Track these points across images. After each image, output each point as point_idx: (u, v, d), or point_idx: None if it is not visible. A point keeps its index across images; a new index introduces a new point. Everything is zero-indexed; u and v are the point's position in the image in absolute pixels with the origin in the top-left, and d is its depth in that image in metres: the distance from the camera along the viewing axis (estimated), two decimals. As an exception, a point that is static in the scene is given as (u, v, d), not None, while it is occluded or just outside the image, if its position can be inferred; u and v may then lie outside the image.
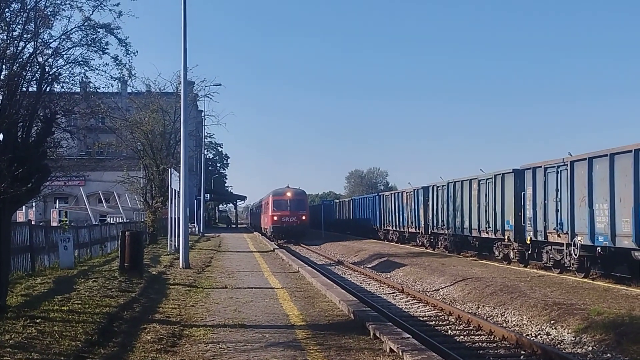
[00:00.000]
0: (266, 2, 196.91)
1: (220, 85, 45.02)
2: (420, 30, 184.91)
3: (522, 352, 11.97)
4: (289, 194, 50.26)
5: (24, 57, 12.85)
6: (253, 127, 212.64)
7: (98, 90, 15.13)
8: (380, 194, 52.56)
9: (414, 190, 39.07)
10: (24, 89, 12.86)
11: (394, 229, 44.30)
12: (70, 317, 10.73)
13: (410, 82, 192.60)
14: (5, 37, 12.49)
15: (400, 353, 8.81)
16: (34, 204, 39.09)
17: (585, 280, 19.08)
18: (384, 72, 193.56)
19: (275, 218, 49.44)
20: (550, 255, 21.58)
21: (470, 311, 16.49)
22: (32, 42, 13.04)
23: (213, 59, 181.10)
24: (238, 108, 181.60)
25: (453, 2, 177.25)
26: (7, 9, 12.69)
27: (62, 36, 13.78)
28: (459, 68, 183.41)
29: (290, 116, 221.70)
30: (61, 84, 14.34)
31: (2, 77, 11.95)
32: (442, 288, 20.69)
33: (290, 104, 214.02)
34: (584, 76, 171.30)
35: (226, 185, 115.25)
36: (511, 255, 25.07)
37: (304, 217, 49.94)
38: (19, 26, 12.96)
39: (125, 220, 41.55)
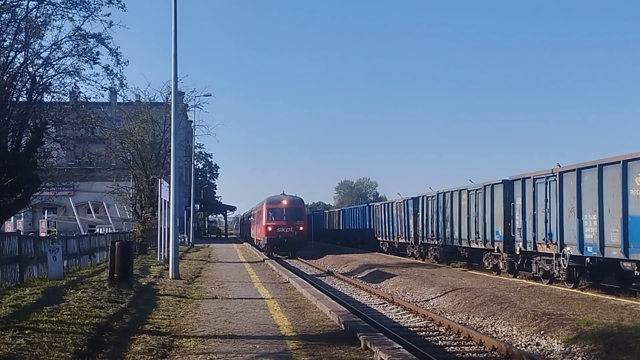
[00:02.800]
0: (252, 18, 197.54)
1: (210, 95, 45.12)
2: (408, 43, 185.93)
3: (512, 363, 11.99)
4: (284, 202, 44.91)
5: (15, 67, 12.88)
6: (242, 138, 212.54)
7: (89, 100, 15.18)
8: (370, 204, 52.51)
9: (404, 200, 39.11)
10: (14, 99, 12.88)
11: (384, 239, 44.31)
12: (59, 327, 10.67)
13: (399, 94, 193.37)
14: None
15: (391, 363, 8.81)
16: (22, 214, 38.86)
17: (575, 290, 19.15)
18: (373, 84, 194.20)
19: (270, 229, 44.05)
20: (540, 266, 21.65)
21: (460, 321, 16.50)
22: (23, 52, 13.08)
23: (201, 73, 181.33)
24: (227, 120, 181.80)
25: (440, 18, 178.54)
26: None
27: (53, 46, 13.86)
28: (447, 80, 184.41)
29: (279, 128, 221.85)
30: (52, 94, 14.39)
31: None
32: (432, 298, 20.70)
33: (279, 116, 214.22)
34: (573, 89, 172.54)
35: (216, 195, 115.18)
36: (501, 265, 25.13)
37: (301, 228, 44.43)
38: (9, 36, 13.00)
39: (114, 231, 41.39)
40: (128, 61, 15.15)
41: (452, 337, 14.59)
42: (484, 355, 12.75)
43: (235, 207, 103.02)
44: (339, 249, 48.29)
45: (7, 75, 12.58)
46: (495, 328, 15.49)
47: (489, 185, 25.94)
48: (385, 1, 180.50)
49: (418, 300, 20.92)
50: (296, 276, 23.78)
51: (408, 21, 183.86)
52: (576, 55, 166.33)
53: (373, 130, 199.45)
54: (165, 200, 28.75)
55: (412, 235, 37.16)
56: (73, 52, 14.20)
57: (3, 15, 13.10)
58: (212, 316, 13.62)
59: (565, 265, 19.51)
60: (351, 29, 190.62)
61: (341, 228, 61.28)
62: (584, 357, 12.08)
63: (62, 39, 13.97)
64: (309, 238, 50.14)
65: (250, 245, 54.81)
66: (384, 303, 20.61)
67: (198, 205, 71.71)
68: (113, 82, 14.92)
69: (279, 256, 42.85)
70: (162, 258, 28.69)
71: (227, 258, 36.93)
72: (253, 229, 56.33)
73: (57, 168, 26.50)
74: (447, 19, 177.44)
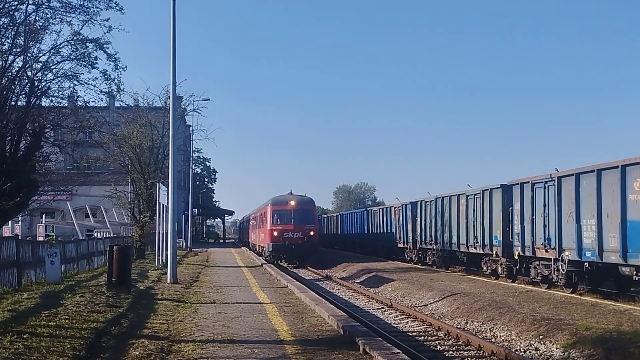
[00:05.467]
0: (249, 24, 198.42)
1: (209, 100, 44.84)
2: (406, 48, 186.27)
3: (511, 367, 11.97)
4: (292, 203, 39.19)
5: (13, 71, 12.86)
6: (240, 143, 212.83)
7: (87, 104, 15.17)
8: (368, 209, 52.46)
9: (402, 205, 39.10)
10: (13, 103, 12.87)
11: (382, 244, 44.25)
12: (57, 332, 10.64)
13: (397, 98, 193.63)
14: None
15: (390, 368, 8.78)
16: (20, 218, 38.80)
17: (573, 295, 19.14)
18: (371, 88, 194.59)
19: (276, 233, 38.40)
20: (538, 271, 21.64)
21: (459, 326, 16.48)
22: (22, 56, 13.06)
23: (198, 79, 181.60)
24: (225, 125, 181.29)
25: (439, 22, 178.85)
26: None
27: (52, 50, 13.83)
28: (445, 84, 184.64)
29: (277, 132, 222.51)
30: (50, 98, 14.38)
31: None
32: (430, 303, 20.68)
33: (276, 121, 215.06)
34: (572, 94, 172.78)
35: (214, 200, 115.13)
36: (499, 270, 25.11)
37: (312, 233, 38.71)
38: (8, 40, 12.99)
39: (112, 235, 41.33)
40: (126, 67, 15.13)
41: (451, 341, 14.58)
42: (483, 360, 12.74)
43: (233, 212, 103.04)
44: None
45: (6, 79, 12.56)
46: (494, 333, 15.47)
47: (488, 189, 25.95)
48: (383, 6, 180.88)
49: (417, 305, 20.89)
50: (294, 281, 23.74)
51: (406, 26, 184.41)
52: (575, 59, 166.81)
53: (371, 134, 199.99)
54: (163, 205, 28.75)
55: (411, 240, 37.14)
56: (72, 57, 14.19)
57: (2, 19, 13.10)
58: (210, 321, 13.59)
59: (563, 270, 19.51)
60: (348, 34, 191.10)
61: (339, 233, 61.24)
62: (583, 362, 12.06)
63: (61, 43, 13.97)
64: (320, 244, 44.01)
65: (248, 249, 54.41)
66: (383, 308, 20.59)
67: (196, 209, 71.65)
68: (110, 87, 14.91)
69: (285, 265, 38.63)
70: (160, 262, 28.66)
71: (225, 262, 36.87)
72: (255, 233, 50.82)
73: (56, 172, 26.49)
74: (446, 23, 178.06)
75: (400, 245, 39.79)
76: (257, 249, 46.88)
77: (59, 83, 14.20)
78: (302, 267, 38.17)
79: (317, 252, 40.01)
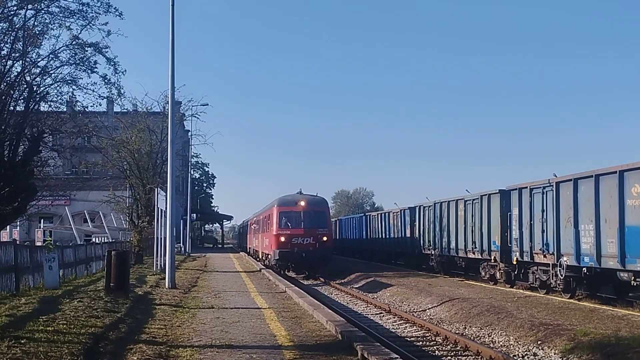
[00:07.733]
0: (247, 29, 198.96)
1: (207, 105, 44.92)
2: (405, 52, 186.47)
3: (510, 373, 11.96)
4: (302, 203, 33.62)
5: (12, 76, 12.88)
6: (238, 148, 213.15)
7: (86, 109, 15.19)
8: (367, 214, 52.45)
9: (401, 210, 39.10)
10: (12, 108, 12.88)
11: (381, 249, 44.22)
12: (55, 337, 10.61)
13: (395, 104, 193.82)
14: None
15: (389, 373, 8.76)
16: (18, 223, 38.75)
17: (571, 300, 19.14)
18: (369, 93, 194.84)
19: (283, 239, 32.98)
20: (537, 276, 21.64)
21: (457, 332, 16.47)
22: (20, 61, 13.09)
23: (195, 84, 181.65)
24: (222, 130, 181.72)
25: (438, 27, 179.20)
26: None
27: (51, 55, 13.88)
28: (443, 90, 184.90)
29: (275, 138, 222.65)
30: (49, 103, 14.40)
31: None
32: (429, 308, 20.67)
33: (274, 126, 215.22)
34: (570, 100, 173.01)
35: (212, 205, 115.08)
36: (497, 275, 25.11)
37: (325, 238, 33.25)
38: (7, 45, 13.01)
39: (110, 240, 41.29)
40: (125, 70, 15.22)
41: (449, 347, 14.57)
42: (481, 365, 12.72)
43: (232, 217, 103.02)
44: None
45: (5, 84, 12.59)
46: (493, 338, 15.46)
47: (486, 195, 25.96)
48: (382, 10, 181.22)
49: (415, 310, 20.88)
50: (293, 286, 23.70)
51: (405, 30, 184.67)
52: (574, 65, 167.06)
53: (370, 139, 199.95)
54: (161, 210, 28.72)
55: (409, 245, 37.11)
56: (70, 61, 14.24)
57: (0, 24, 13.12)
58: (208, 326, 13.56)
59: (562, 276, 19.52)
60: (347, 38, 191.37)
61: (337, 238, 61.20)
62: (582, 368, 12.05)
63: (60, 47, 14.02)
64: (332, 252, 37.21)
65: (246, 254, 54.27)
66: (381, 313, 20.57)
67: (194, 214, 71.62)
68: (110, 91, 14.97)
69: (293, 275, 34.39)
70: (159, 267, 28.62)
71: (223, 267, 36.83)
72: (257, 239, 45.05)
73: (54, 177, 26.49)
74: (445, 28, 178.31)
75: (399, 250, 39.76)
76: (260, 256, 42.07)
77: (58, 88, 14.25)
78: (312, 278, 33.84)
79: (330, 260, 34.41)
